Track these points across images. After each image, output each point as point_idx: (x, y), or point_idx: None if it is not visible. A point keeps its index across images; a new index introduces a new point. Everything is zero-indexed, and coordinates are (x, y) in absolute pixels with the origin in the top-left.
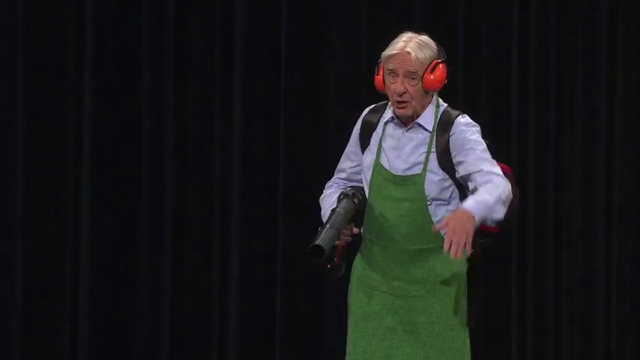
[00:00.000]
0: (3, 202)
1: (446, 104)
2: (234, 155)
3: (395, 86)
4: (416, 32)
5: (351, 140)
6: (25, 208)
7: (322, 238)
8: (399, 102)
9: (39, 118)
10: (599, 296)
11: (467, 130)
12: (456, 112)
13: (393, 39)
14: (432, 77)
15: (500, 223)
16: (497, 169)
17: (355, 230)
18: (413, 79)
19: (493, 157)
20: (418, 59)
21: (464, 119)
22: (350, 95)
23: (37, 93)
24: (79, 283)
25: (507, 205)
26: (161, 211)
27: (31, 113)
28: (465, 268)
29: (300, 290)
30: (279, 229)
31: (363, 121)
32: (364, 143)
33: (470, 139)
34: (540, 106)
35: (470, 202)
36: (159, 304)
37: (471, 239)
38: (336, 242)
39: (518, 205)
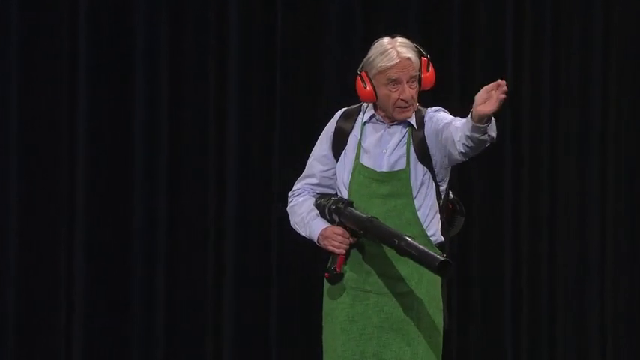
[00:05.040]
0: None
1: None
2: (228, 157)
3: (400, 94)
4: (390, 37)
5: (320, 144)
6: (19, 208)
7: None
8: (402, 107)
9: (33, 115)
10: (592, 295)
11: (435, 113)
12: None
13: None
14: (427, 76)
15: None
16: None
17: (353, 239)
18: (414, 82)
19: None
20: (416, 62)
21: (432, 108)
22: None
23: (32, 92)
24: (75, 284)
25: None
26: (155, 209)
27: (25, 112)
28: None
29: (296, 290)
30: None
31: (336, 127)
32: (339, 147)
33: (440, 118)
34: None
35: None
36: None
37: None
38: (339, 251)
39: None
